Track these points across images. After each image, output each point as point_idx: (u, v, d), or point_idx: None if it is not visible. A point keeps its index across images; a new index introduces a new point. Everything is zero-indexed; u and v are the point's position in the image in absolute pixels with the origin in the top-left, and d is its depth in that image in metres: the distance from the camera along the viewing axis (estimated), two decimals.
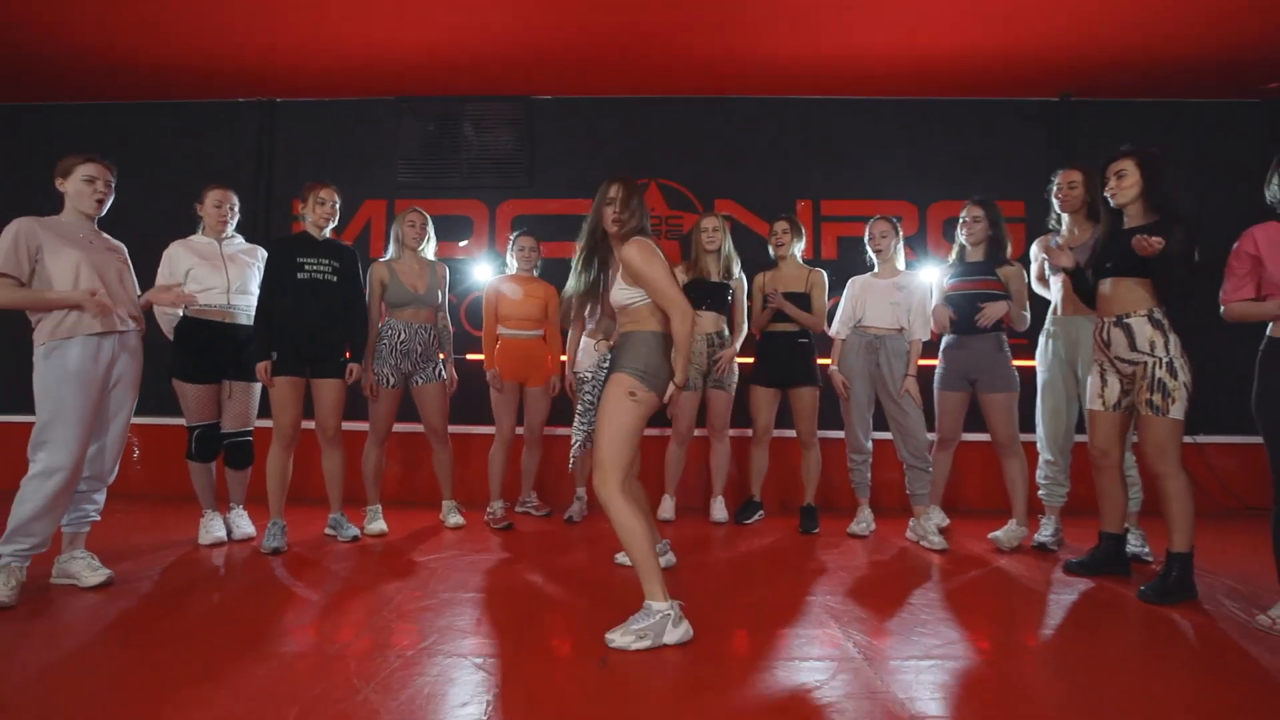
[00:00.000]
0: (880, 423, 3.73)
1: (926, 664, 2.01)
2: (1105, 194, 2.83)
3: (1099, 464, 2.91)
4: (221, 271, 3.33)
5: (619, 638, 2.09)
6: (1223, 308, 2.57)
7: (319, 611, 2.44)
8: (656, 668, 1.99)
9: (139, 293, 2.92)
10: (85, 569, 2.63)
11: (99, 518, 2.76)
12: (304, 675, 1.90)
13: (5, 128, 4.99)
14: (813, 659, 2.06)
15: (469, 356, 4.48)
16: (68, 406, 2.47)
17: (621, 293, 2.28)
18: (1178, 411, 2.62)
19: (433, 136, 4.87)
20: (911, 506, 3.61)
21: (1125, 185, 2.75)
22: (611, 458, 2.16)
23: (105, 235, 2.80)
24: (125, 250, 2.84)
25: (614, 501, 2.14)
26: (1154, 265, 2.63)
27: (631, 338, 2.28)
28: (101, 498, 2.76)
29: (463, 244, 4.86)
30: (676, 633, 2.10)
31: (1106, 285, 2.80)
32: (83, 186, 2.67)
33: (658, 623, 2.09)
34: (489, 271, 4.67)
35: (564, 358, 4.08)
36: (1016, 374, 3.49)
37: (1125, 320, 2.72)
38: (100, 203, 2.72)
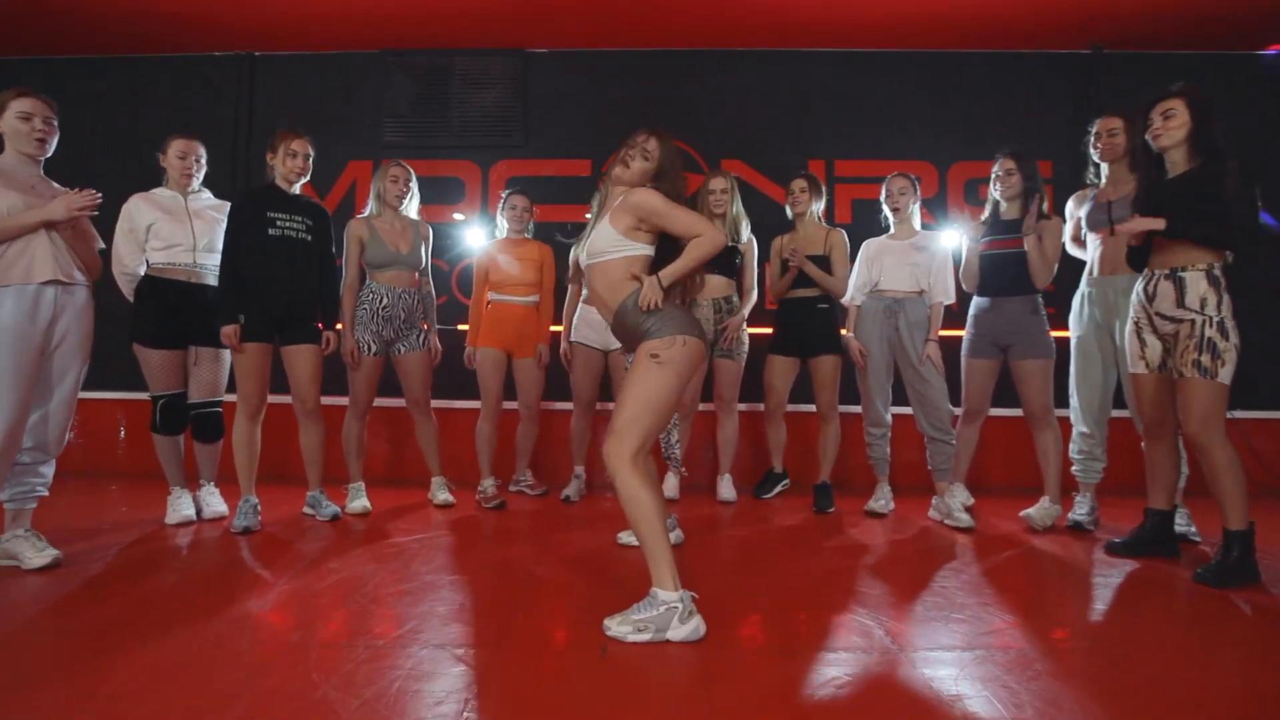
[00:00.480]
0: (899, 397, 3.47)
1: (970, 655, 1.76)
2: (1147, 137, 2.57)
3: (1153, 432, 2.65)
4: (187, 227, 3.05)
5: (616, 626, 1.84)
6: None
7: (284, 596, 2.18)
8: (661, 658, 1.73)
9: (101, 245, 2.68)
10: (30, 549, 2.37)
11: (46, 493, 2.51)
12: (256, 668, 1.65)
13: None
14: (839, 649, 1.80)
15: (460, 327, 4.20)
16: (1, 364, 2.21)
17: (607, 238, 2.02)
18: (1226, 375, 2.38)
19: (422, 92, 4.57)
20: (934, 483, 3.35)
21: (1173, 126, 2.50)
22: (629, 424, 1.89)
23: (53, 183, 2.54)
24: None
25: (623, 471, 1.87)
26: (1206, 212, 2.39)
27: (623, 316, 2.01)
28: (49, 471, 2.51)
29: (457, 216, 4.57)
30: (684, 629, 1.81)
31: (1155, 238, 2.54)
32: (19, 124, 2.40)
33: (662, 615, 1.82)
34: (482, 236, 4.38)
35: (557, 328, 3.82)
36: (1053, 340, 3.21)
37: (1180, 273, 2.46)
38: (42, 142, 2.45)
